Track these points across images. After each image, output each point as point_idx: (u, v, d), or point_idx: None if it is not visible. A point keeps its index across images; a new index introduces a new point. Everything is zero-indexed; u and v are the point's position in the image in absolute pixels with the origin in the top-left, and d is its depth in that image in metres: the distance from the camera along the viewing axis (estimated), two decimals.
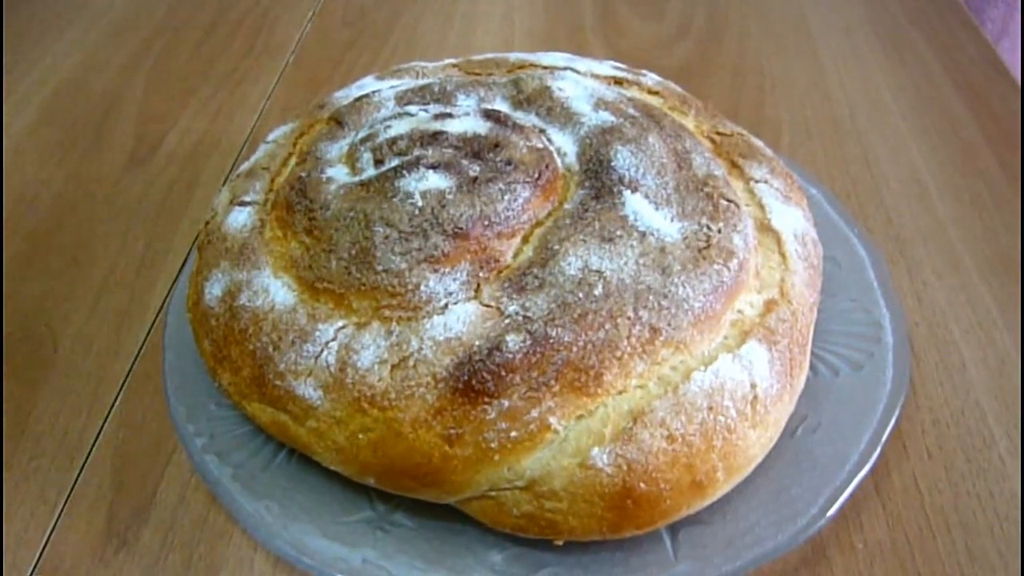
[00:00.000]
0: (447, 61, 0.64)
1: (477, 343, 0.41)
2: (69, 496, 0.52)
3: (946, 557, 0.47)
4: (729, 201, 0.48)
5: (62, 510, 0.51)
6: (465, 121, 0.51)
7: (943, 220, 0.69)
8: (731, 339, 0.44)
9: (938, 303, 0.61)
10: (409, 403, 0.41)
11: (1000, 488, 0.50)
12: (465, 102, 0.55)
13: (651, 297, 0.42)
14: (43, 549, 0.49)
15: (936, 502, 0.50)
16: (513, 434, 0.40)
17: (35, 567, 0.49)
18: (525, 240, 0.46)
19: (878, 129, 0.79)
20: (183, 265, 0.65)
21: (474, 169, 0.47)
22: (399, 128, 0.51)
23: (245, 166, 0.56)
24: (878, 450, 0.48)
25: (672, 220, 0.46)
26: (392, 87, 0.58)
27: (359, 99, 0.56)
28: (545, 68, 0.60)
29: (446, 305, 0.43)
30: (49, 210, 0.73)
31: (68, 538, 0.50)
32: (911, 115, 0.81)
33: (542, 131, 0.52)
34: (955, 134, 0.78)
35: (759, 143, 0.56)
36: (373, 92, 0.57)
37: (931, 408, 0.55)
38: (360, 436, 0.42)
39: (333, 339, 0.43)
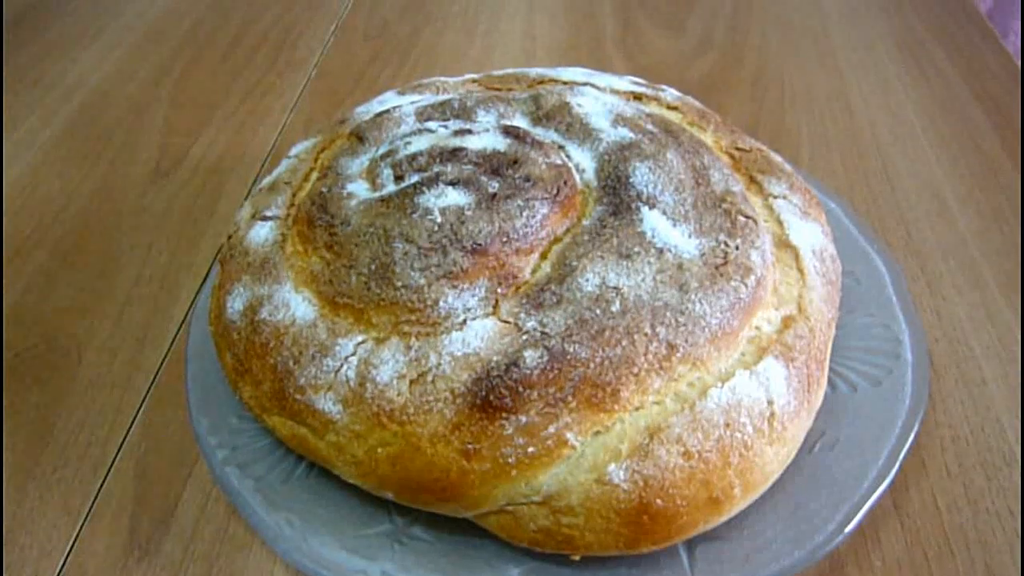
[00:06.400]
0: (467, 76, 0.64)
1: (495, 359, 0.41)
2: (92, 506, 0.52)
3: (965, 575, 0.47)
4: (747, 217, 0.48)
5: (85, 520, 0.52)
6: (484, 137, 0.51)
7: (964, 235, 0.68)
8: (748, 356, 0.44)
9: (958, 319, 0.61)
10: (427, 418, 0.41)
11: (1020, 507, 0.50)
12: (485, 118, 0.55)
13: (668, 314, 0.42)
14: (66, 558, 0.50)
15: (955, 520, 0.50)
16: (530, 449, 0.41)
17: None
18: (543, 256, 0.46)
19: (899, 143, 0.79)
20: (206, 277, 0.66)
21: (493, 185, 0.47)
22: (419, 144, 0.51)
23: (267, 180, 0.56)
24: (896, 467, 0.48)
25: (690, 236, 0.46)
26: (413, 102, 0.58)
27: (380, 115, 0.57)
28: (565, 83, 0.60)
29: (464, 321, 0.43)
30: (74, 222, 0.74)
31: (90, 548, 0.50)
32: (932, 129, 0.80)
33: (561, 147, 0.52)
34: (976, 148, 0.77)
35: (778, 158, 0.56)
36: (394, 108, 0.57)
37: (951, 425, 0.54)
38: (379, 450, 0.42)
39: (352, 354, 0.43)
